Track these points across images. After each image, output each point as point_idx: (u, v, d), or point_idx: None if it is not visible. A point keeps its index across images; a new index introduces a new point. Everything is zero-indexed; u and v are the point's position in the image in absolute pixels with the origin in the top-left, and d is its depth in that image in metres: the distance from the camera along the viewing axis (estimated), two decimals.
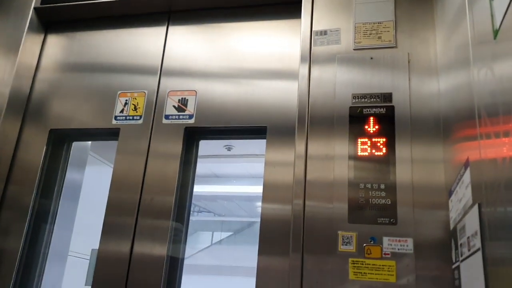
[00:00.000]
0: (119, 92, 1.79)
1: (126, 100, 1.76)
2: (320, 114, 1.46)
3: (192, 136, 1.71)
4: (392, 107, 1.40)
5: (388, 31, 1.50)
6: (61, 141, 1.85)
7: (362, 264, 1.26)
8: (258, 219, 1.52)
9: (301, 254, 1.31)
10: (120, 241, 1.58)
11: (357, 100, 1.44)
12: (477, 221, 0.87)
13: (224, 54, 1.77)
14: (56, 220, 1.78)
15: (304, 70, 1.52)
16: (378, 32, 1.51)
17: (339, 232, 1.31)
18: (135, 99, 1.76)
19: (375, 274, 1.25)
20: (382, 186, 1.32)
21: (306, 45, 1.56)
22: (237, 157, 6.03)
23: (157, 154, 1.66)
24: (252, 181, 7.46)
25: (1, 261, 1.66)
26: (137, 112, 1.73)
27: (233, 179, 7.81)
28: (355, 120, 1.42)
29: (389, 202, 1.30)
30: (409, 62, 1.45)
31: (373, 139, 1.38)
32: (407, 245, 1.25)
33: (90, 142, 2.13)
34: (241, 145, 5.33)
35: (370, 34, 1.51)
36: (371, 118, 1.40)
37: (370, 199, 1.32)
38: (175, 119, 1.69)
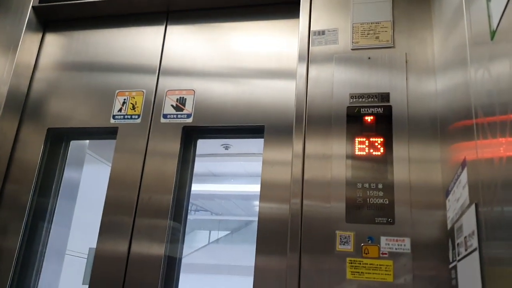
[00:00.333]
0: (117, 91, 1.79)
1: (125, 99, 1.76)
2: (317, 113, 1.46)
3: (190, 135, 1.71)
4: (390, 107, 1.41)
5: (386, 31, 1.50)
6: (59, 139, 1.85)
7: (360, 263, 1.27)
8: (256, 218, 1.52)
9: (298, 253, 1.32)
10: (118, 240, 1.58)
11: (354, 99, 1.44)
12: (474, 221, 0.88)
13: (222, 54, 1.77)
14: (54, 218, 1.78)
15: (302, 69, 1.53)
16: (376, 32, 1.51)
17: (337, 231, 1.31)
18: (133, 98, 1.76)
19: (373, 273, 1.25)
20: (380, 186, 1.33)
21: (304, 45, 1.56)
22: (235, 156, 6.04)
23: (155, 153, 1.66)
24: (249, 180, 7.47)
25: None
26: (135, 111, 1.73)
27: (230, 178, 7.81)
28: (352, 120, 1.42)
29: (387, 202, 1.31)
30: (406, 62, 1.45)
31: (371, 139, 1.38)
32: (405, 244, 1.26)
33: (88, 141, 2.12)
34: (238, 144, 5.34)
35: (368, 34, 1.51)
36: (369, 118, 1.41)
37: (368, 199, 1.32)
38: (173, 118, 1.69)
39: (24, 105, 1.86)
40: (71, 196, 1.90)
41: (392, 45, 1.48)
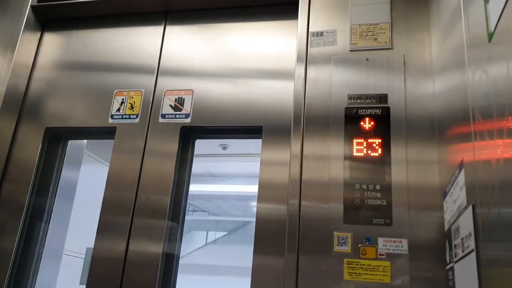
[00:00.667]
0: (115, 91, 1.79)
1: (123, 99, 1.76)
2: (316, 114, 1.46)
3: (188, 135, 1.71)
4: (388, 108, 1.41)
5: (384, 32, 1.51)
6: (56, 139, 1.84)
7: (357, 264, 1.27)
8: (253, 219, 1.52)
9: (296, 254, 1.32)
10: (116, 240, 1.57)
11: (352, 100, 1.44)
12: (471, 222, 0.88)
13: (221, 54, 1.77)
14: (51, 218, 1.77)
15: (300, 70, 1.53)
16: (374, 34, 1.51)
17: (335, 232, 1.31)
18: (132, 98, 1.76)
19: (370, 274, 1.25)
20: (378, 187, 1.33)
21: (303, 46, 1.56)
22: (233, 156, 6.03)
23: (153, 153, 1.66)
24: (247, 181, 7.46)
25: None
26: (133, 111, 1.73)
27: (228, 178, 7.81)
28: (350, 121, 1.42)
29: (384, 203, 1.31)
30: (404, 63, 1.45)
31: (369, 140, 1.38)
32: (402, 245, 1.26)
33: (86, 140, 2.12)
34: (236, 144, 5.33)
35: (366, 35, 1.52)
36: (367, 119, 1.41)
37: (366, 200, 1.32)
38: (172, 118, 1.69)
39: (22, 104, 1.86)
40: (68, 196, 1.90)
41: (390, 47, 1.49)
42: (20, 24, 1.87)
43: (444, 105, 1.25)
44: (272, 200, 1.50)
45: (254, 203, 1.63)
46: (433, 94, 1.39)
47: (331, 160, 1.39)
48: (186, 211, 1.70)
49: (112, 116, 1.75)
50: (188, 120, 1.68)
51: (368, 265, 1.26)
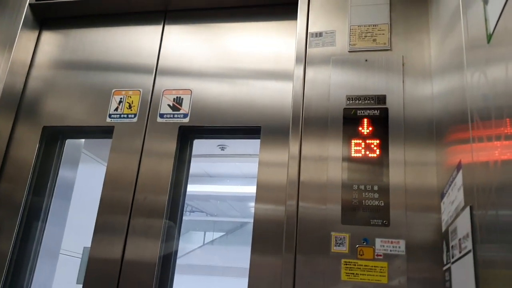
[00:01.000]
0: (113, 90, 1.78)
1: (121, 98, 1.76)
2: (314, 115, 1.46)
3: (187, 135, 1.71)
4: (386, 109, 1.41)
5: (383, 33, 1.51)
6: (54, 138, 1.84)
7: (355, 265, 1.27)
8: (250, 220, 1.52)
9: (294, 254, 1.32)
10: (113, 239, 1.57)
11: (351, 101, 1.44)
12: (469, 223, 0.88)
13: (220, 54, 1.77)
14: (48, 218, 1.77)
15: (299, 71, 1.53)
16: (373, 35, 1.51)
17: (332, 233, 1.31)
18: (130, 97, 1.75)
19: (367, 275, 1.25)
20: (375, 188, 1.33)
21: (302, 47, 1.56)
22: (231, 157, 6.03)
23: (151, 152, 1.66)
24: (245, 181, 7.46)
25: None
26: (131, 110, 1.73)
27: (226, 179, 7.80)
28: (349, 122, 1.42)
29: (382, 204, 1.31)
30: (403, 65, 1.46)
31: (367, 141, 1.39)
32: (399, 246, 1.26)
33: (83, 140, 2.11)
34: (234, 145, 5.33)
35: (365, 36, 1.52)
36: (365, 120, 1.41)
37: (363, 201, 1.32)
38: (170, 118, 1.69)
39: (20, 103, 1.85)
40: (65, 195, 1.89)
41: (389, 48, 1.49)
42: (18, 22, 1.87)
43: (442, 107, 1.25)
44: (270, 201, 1.50)
45: (252, 204, 1.63)
46: (431, 95, 1.40)
47: (329, 161, 1.39)
48: (184, 212, 1.70)
49: (110, 116, 1.75)
50: (186, 120, 1.67)
51: (365, 265, 1.26)
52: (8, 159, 1.77)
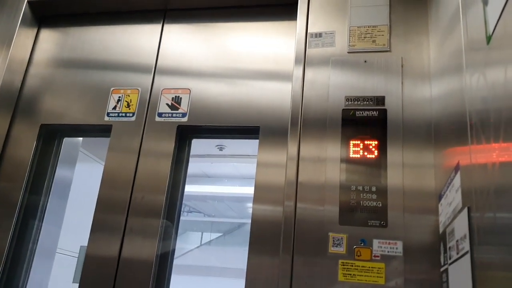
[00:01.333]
0: (112, 89, 1.78)
1: (119, 97, 1.76)
2: (313, 116, 1.46)
3: (185, 135, 1.71)
4: (385, 110, 1.41)
5: (383, 35, 1.51)
6: (52, 136, 1.83)
7: (352, 266, 1.27)
8: (248, 221, 1.51)
9: (291, 255, 1.32)
10: (110, 239, 1.56)
11: (350, 102, 1.44)
12: (466, 224, 0.88)
13: (219, 54, 1.77)
14: (45, 216, 1.76)
15: (298, 71, 1.53)
16: (373, 36, 1.51)
17: (330, 233, 1.31)
18: (128, 96, 1.75)
19: (364, 276, 1.25)
20: (373, 189, 1.33)
21: (301, 47, 1.56)
22: (229, 157, 6.02)
23: (149, 152, 1.65)
24: (243, 182, 7.45)
25: None
26: (130, 109, 1.73)
27: (224, 179, 7.80)
28: (347, 123, 1.42)
29: (380, 205, 1.31)
30: (402, 66, 1.46)
31: (365, 142, 1.38)
32: (397, 247, 1.26)
33: (81, 138, 2.11)
34: (233, 145, 5.32)
35: (364, 37, 1.52)
36: (364, 121, 1.41)
37: (361, 202, 1.32)
38: (168, 117, 1.69)
39: (17, 100, 1.84)
40: (63, 194, 1.89)
41: (389, 49, 1.49)
42: (16, 20, 1.86)
43: (441, 108, 1.25)
44: (268, 201, 1.50)
45: (250, 205, 1.62)
46: (430, 97, 1.40)
47: (328, 161, 1.39)
48: (181, 212, 1.69)
49: (108, 114, 1.74)
50: (185, 119, 1.67)
51: (362, 266, 1.26)
52: (5, 157, 1.76)
